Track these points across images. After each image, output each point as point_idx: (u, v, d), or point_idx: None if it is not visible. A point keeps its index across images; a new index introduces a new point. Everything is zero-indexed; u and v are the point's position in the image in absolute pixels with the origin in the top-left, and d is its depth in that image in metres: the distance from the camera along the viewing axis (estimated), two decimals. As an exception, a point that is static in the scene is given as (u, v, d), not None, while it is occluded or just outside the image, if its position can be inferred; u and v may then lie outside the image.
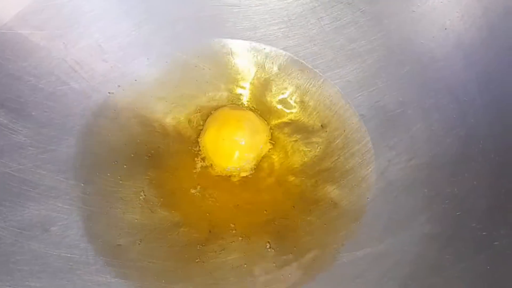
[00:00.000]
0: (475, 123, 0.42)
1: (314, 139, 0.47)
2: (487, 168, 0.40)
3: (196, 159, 0.45)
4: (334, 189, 0.44)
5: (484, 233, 0.37)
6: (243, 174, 0.45)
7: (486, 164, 0.40)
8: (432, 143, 0.43)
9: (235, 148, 0.45)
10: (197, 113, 0.48)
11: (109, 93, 0.47)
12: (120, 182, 0.43)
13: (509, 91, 0.40)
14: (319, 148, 0.47)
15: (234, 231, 0.43)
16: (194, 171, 0.45)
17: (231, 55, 0.50)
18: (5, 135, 0.41)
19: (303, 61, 0.50)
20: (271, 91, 0.49)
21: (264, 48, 0.50)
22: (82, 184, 0.42)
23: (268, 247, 0.42)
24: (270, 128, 0.48)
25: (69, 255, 0.39)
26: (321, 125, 0.48)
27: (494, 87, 0.41)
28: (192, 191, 0.44)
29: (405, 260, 0.38)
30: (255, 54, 0.50)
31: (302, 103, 0.49)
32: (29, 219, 0.39)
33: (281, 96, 0.49)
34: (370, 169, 0.45)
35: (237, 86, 0.49)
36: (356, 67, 0.49)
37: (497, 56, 0.42)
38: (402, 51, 0.47)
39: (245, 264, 0.41)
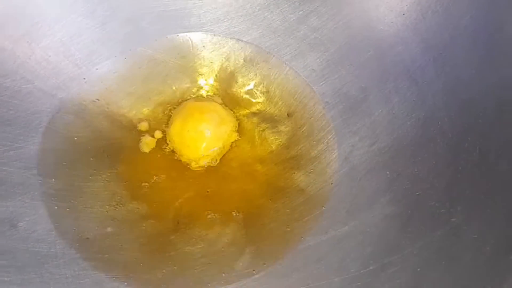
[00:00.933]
0: (433, 105, 0.43)
1: (281, 128, 0.48)
2: (445, 148, 0.41)
3: (163, 151, 0.46)
4: (300, 176, 0.45)
5: (442, 211, 0.38)
6: (210, 164, 0.46)
7: (444, 144, 0.41)
8: (393, 127, 0.44)
9: (201, 139, 0.45)
10: (163, 106, 0.48)
11: (76, 88, 0.47)
12: (88, 177, 0.44)
13: (463, 73, 0.41)
14: (285, 136, 0.47)
15: (201, 221, 0.43)
16: (162, 163, 0.45)
17: (196, 48, 0.51)
18: (-30, 134, 0.41)
19: (267, 52, 0.51)
20: (237, 82, 0.50)
21: (229, 41, 0.51)
22: (50, 180, 0.43)
23: (235, 235, 0.42)
24: (238, 119, 0.48)
25: (36, 249, 0.39)
26: (287, 114, 0.48)
27: (449, 69, 0.42)
28: (160, 183, 0.44)
29: (367, 241, 0.39)
30: (220, 47, 0.51)
31: (268, 93, 0.50)
32: (-4, 215, 0.39)
33: (247, 87, 0.50)
34: (334, 155, 0.46)
35: (203, 78, 0.50)
36: (319, 55, 0.49)
37: (452, 38, 0.43)
38: (362, 38, 0.48)
39: (212, 252, 0.42)
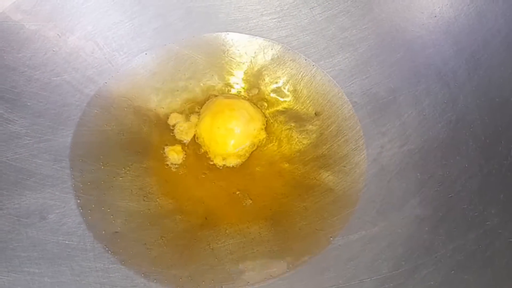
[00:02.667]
0: (465, 108, 0.42)
1: (308, 127, 0.48)
2: (477, 150, 0.40)
3: (191, 148, 0.46)
4: (328, 175, 0.45)
5: (475, 214, 0.38)
6: (238, 161, 0.45)
7: (476, 147, 0.41)
8: (423, 128, 0.44)
9: (230, 136, 0.45)
10: (191, 102, 0.48)
11: (105, 83, 0.47)
12: (116, 170, 0.44)
13: (496, 75, 0.41)
14: (313, 135, 0.47)
15: (229, 218, 0.43)
16: (189, 159, 0.45)
17: (224, 45, 0.51)
18: (1, 125, 0.41)
19: (295, 51, 0.51)
20: (265, 80, 0.50)
21: (257, 39, 0.51)
22: (78, 173, 0.43)
23: (263, 232, 0.42)
24: (265, 117, 0.48)
25: (66, 242, 0.39)
26: (315, 113, 0.48)
27: (482, 72, 0.42)
28: (188, 179, 0.44)
29: (398, 242, 0.39)
30: (248, 45, 0.51)
31: (295, 92, 0.49)
32: (27, 207, 0.39)
33: (274, 85, 0.50)
34: (363, 155, 0.45)
35: (230, 76, 0.50)
36: (348, 55, 0.49)
37: (485, 42, 0.42)
38: (393, 39, 0.48)
39: (241, 249, 0.41)
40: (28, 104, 0.43)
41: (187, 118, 0.47)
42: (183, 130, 0.46)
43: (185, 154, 0.46)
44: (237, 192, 0.44)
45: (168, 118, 0.47)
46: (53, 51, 0.45)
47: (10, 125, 0.41)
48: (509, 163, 0.38)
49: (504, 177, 0.38)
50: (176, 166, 0.45)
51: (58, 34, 0.45)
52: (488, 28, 0.42)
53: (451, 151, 0.42)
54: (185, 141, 0.46)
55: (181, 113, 0.47)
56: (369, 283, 0.38)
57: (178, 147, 0.45)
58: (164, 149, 0.46)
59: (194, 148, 0.46)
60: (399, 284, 0.37)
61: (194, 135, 0.46)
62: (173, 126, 0.47)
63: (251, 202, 0.44)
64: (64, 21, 0.46)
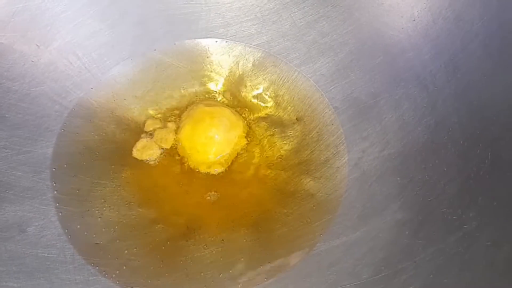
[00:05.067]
0: (444, 111, 0.43)
1: (289, 133, 0.48)
2: (456, 154, 0.41)
3: (171, 156, 0.46)
4: (310, 181, 0.45)
5: (454, 217, 0.38)
6: (220, 169, 0.45)
7: (455, 151, 0.41)
8: (403, 133, 0.44)
9: (211, 144, 0.45)
10: (172, 110, 0.48)
11: (85, 93, 0.47)
12: (96, 181, 0.43)
13: (475, 79, 0.41)
14: (294, 141, 0.47)
15: (211, 227, 0.43)
16: (170, 168, 0.45)
17: (205, 52, 0.51)
18: (-21, 138, 0.41)
19: (276, 56, 0.51)
20: (246, 86, 0.50)
21: (238, 45, 0.51)
22: (58, 184, 0.42)
23: (245, 240, 0.42)
24: (247, 123, 0.48)
25: (46, 254, 0.39)
26: (296, 119, 0.48)
27: (461, 75, 0.42)
28: (169, 188, 0.44)
29: (379, 247, 0.39)
30: (229, 51, 0.51)
31: (277, 98, 0.49)
32: (5, 220, 0.39)
33: (256, 91, 0.50)
34: (344, 160, 0.46)
35: (211, 82, 0.50)
36: (329, 60, 0.49)
37: (463, 45, 0.42)
38: (373, 43, 0.48)
39: (223, 258, 0.41)
40: (7, 116, 0.43)
41: (165, 125, 0.47)
42: (162, 137, 0.46)
43: (163, 155, 0.45)
44: (219, 200, 0.44)
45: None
46: (32, 61, 0.45)
47: (-12, 138, 0.41)
48: (487, 167, 0.38)
49: (482, 180, 0.38)
50: (154, 164, 0.45)
51: (36, 45, 0.45)
52: (466, 31, 0.42)
53: (431, 154, 0.42)
54: (164, 148, 0.46)
55: (161, 120, 0.47)
56: (350, 288, 0.38)
57: (149, 142, 0.45)
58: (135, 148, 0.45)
59: (175, 156, 0.46)
60: (380, 289, 0.37)
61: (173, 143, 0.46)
62: (151, 132, 0.46)
63: (232, 209, 0.44)
64: (43, 31, 0.46)
